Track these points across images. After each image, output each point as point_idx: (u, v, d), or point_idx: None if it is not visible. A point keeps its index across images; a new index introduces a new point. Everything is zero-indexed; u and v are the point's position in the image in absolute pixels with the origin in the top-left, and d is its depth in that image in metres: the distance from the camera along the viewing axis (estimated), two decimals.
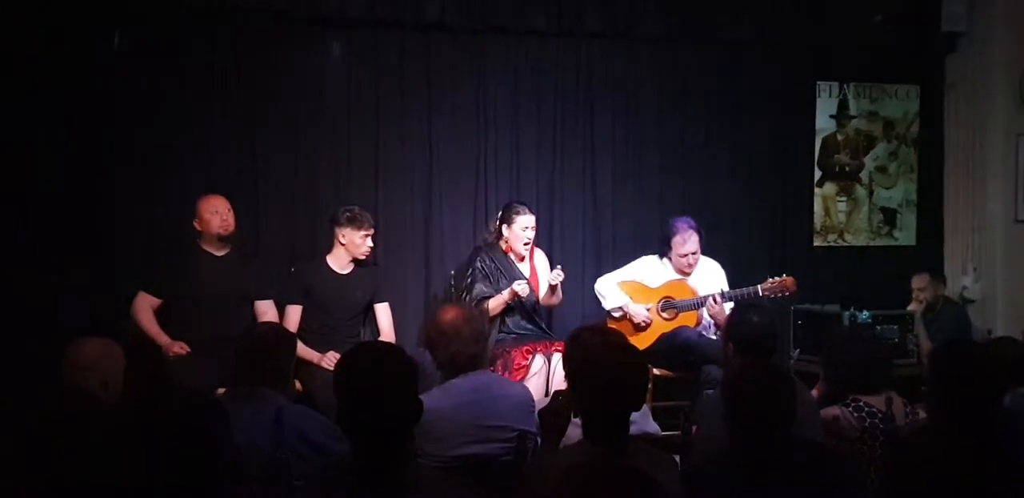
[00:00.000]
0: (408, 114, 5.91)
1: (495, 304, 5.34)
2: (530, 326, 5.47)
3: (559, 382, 4.90)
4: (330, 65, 5.78)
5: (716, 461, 2.86)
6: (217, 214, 5.03)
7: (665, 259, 5.66)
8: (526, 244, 5.48)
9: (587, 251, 6.21)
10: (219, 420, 2.51)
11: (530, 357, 5.11)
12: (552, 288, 5.49)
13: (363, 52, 5.82)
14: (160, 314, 4.98)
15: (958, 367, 2.92)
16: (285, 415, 3.12)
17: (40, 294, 5.12)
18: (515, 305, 5.41)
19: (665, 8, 6.17)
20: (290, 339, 3.60)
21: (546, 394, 4.75)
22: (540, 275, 5.57)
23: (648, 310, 5.56)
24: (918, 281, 6.07)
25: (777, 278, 5.45)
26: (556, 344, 5.26)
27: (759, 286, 5.44)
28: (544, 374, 5.05)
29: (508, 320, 5.43)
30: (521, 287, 5.30)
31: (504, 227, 5.52)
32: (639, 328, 5.52)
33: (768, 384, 2.81)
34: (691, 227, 5.57)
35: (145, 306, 4.95)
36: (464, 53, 5.98)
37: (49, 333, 4.66)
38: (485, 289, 5.42)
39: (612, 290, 5.64)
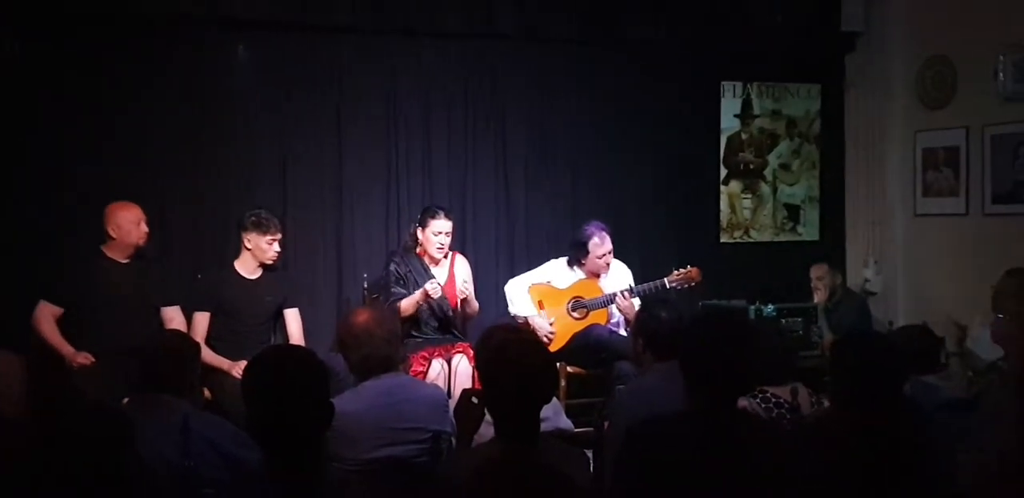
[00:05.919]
0: (317, 117, 5.85)
1: (407, 304, 5.30)
2: (438, 331, 5.42)
3: (461, 384, 4.91)
4: (236, 68, 5.70)
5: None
6: (139, 224, 4.93)
7: (576, 267, 5.68)
8: (439, 248, 5.44)
9: (500, 254, 6.22)
10: (123, 430, 2.47)
11: (427, 364, 5.09)
12: (463, 301, 5.44)
13: (270, 55, 5.75)
14: (63, 323, 4.84)
15: (860, 357, 2.97)
16: (192, 423, 3.06)
17: None
18: (425, 309, 5.38)
19: (574, 10, 6.21)
20: (194, 345, 3.54)
21: (448, 397, 4.72)
22: (458, 281, 5.51)
23: (552, 324, 5.55)
24: (816, 270, 6.24)
25: (682, 269, 5.55)
26: (457, 346, 5.25)
27: (665, 279, 5.54)
28: (443, 378, 5.02)
29: (417, 324, 5.38)
30: (432, 287, 5.26)
31: (419, 231, 5.49)
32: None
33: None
34: (603, 229, 5.63)
35: (47, 315, 4.80)
36: (373, 56, 5.94)
37: None
38: (401, 290, 5.40)
39: (521, 296, 5.65)
